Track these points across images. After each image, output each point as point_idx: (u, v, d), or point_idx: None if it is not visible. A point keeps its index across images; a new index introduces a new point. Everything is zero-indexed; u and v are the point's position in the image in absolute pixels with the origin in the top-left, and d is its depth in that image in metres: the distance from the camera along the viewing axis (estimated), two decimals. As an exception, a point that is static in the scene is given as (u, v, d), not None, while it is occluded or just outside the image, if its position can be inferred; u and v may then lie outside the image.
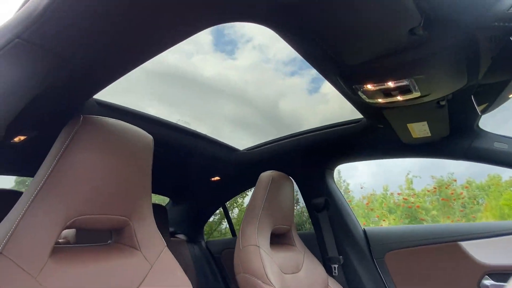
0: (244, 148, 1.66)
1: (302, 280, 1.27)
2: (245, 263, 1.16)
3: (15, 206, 0.63)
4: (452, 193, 5.59)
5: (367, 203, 6.09)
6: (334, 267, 1.53)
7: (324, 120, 1.47)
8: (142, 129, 0.81)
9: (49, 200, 0.63)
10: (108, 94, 1.13)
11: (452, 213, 5.78)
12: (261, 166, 1.70)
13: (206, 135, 1.46)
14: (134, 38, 0.63)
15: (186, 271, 0.84)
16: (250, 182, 1.94)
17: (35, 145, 1.05)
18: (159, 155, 1.11)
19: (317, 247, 1.65)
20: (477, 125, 1.18)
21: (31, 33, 0.49)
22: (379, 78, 0.75)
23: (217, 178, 1.84)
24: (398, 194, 6.10)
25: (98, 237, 0.91)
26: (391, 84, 0.76)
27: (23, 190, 1.34)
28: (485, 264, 1.21)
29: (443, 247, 1.32)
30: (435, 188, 5.81)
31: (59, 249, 0.65)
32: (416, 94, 0.80)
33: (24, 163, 1.28)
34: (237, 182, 1.95)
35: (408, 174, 6.06)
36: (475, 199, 5.60)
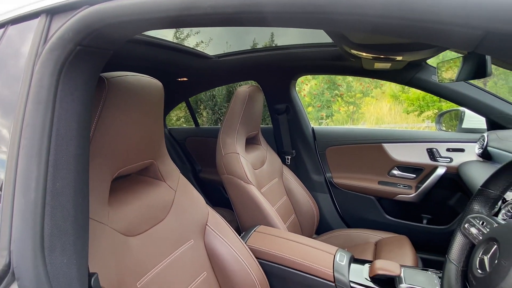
0: (215, 54, 1.66)
1: (265, 171, 1.62)
2: (228, 167, 1.42)
3: None
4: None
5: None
6: (288, 158, 1.92)
7: None
8: None
9: (97, 161, 0.72)
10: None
11: (363, 79, 6.78)
12: (232, 73, 1.77)
13: (179, 44, 1.42)
14: None
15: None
16: (218, 83, 2.02)
17: None
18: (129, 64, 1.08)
19: (272, 139, 1.99)
20: (425, 61, 1.42)
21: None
22: (378, 52, 0.85)
23: (184, 78, 1.85)
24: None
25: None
26: (384, 55, 0.88)
27: None
28: (395, 159, 1.71)
29: (370, 147, 1.77)
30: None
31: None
32: (399, 59, 0.94)
33: None
34: (204, 83, 1.99)
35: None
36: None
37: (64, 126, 0.44)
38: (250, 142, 1.69)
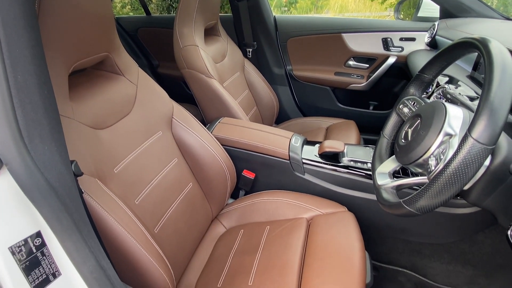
0: None
1: (227, 65, 1.61)
2: (188, 61, 1.38)
3: None
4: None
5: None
6: (249, 51, 1.89)
7: None
8: None
9: (48, 55, 0.68)
10: None
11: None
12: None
13: None
14: None
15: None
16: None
17: None
18: None
19: (232, 29, 1.90)
20: None
21: None
22: None
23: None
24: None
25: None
26: None
27: None
28: (353, 50, 1.76)
29: (330, 37, 1.77)
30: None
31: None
32: None
33: None
34: None
35: None
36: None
37: (8, 14, 0.40)
38: (209, 33, 1.61)
